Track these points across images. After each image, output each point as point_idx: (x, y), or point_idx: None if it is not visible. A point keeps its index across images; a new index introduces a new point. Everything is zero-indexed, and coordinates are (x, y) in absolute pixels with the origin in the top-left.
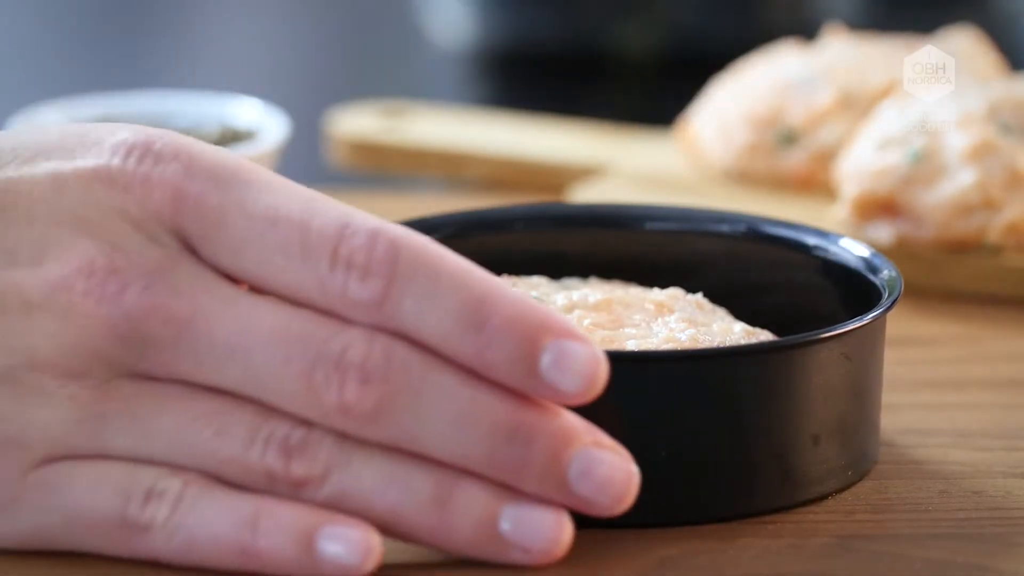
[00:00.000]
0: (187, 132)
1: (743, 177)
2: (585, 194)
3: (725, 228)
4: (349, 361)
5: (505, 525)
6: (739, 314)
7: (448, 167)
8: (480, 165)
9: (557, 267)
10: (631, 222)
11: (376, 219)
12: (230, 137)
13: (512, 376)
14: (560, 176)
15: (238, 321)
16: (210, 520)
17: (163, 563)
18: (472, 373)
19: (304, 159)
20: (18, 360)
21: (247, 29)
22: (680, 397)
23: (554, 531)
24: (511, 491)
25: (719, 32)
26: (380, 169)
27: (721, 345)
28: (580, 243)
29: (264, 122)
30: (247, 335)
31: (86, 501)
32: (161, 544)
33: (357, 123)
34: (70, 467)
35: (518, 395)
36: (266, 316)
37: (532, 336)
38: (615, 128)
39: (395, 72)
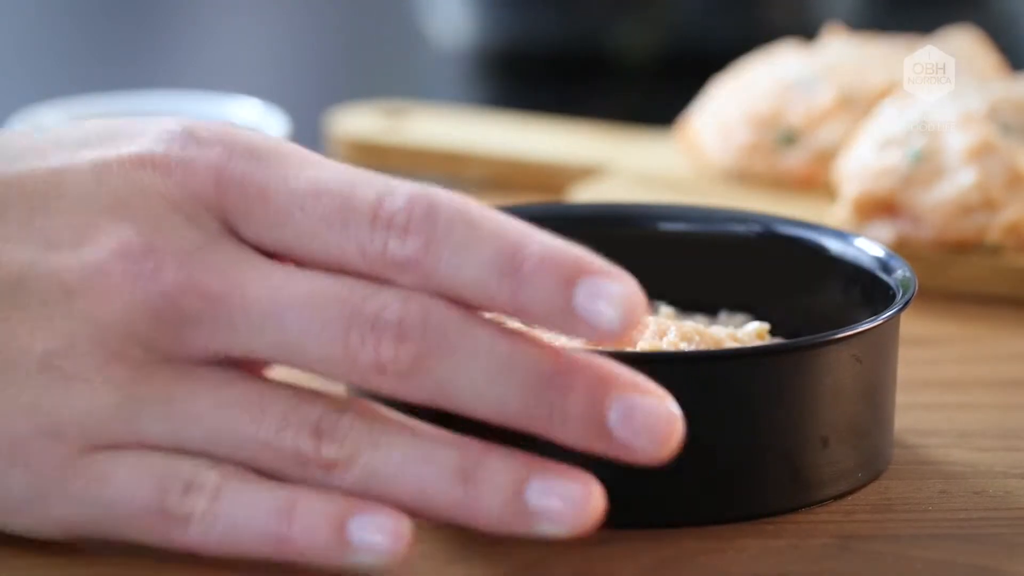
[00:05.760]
0: None
1: (743, 177)
2: (585, 194)
3: (738, 228)
4: (385, 320)
5: (532, 497)
6: (751, 314)
7: (448, 167)
8: (480, 165)
9: None
10: (641, 222)
11: (418, 184)
12: None
13: (547, 315)
14: (560, 176)
15: (272, 288)
16: (247, 511)
17: (199, 554)
18: (509, 331)
19: None
20: (56, 346)
21: (247, 29)
22: (688, 398)
23: (583, 500)
24: (537, 464)
25: (719, 32)
26: (380, 169)
27: (730, 347)
28: (587, 243)
29: (264, 122)
30: (282, 301)
31: (124, 493)
32: (199, 536)
33: (357, 123)
34: (108, 458)
35: (555, 348)
36: (301, 282)
37: (567, 274)
38: (615, 128)
39: (395, 72)
